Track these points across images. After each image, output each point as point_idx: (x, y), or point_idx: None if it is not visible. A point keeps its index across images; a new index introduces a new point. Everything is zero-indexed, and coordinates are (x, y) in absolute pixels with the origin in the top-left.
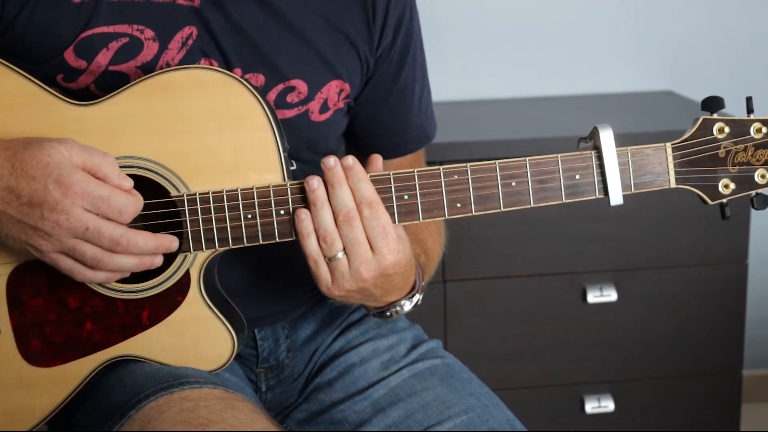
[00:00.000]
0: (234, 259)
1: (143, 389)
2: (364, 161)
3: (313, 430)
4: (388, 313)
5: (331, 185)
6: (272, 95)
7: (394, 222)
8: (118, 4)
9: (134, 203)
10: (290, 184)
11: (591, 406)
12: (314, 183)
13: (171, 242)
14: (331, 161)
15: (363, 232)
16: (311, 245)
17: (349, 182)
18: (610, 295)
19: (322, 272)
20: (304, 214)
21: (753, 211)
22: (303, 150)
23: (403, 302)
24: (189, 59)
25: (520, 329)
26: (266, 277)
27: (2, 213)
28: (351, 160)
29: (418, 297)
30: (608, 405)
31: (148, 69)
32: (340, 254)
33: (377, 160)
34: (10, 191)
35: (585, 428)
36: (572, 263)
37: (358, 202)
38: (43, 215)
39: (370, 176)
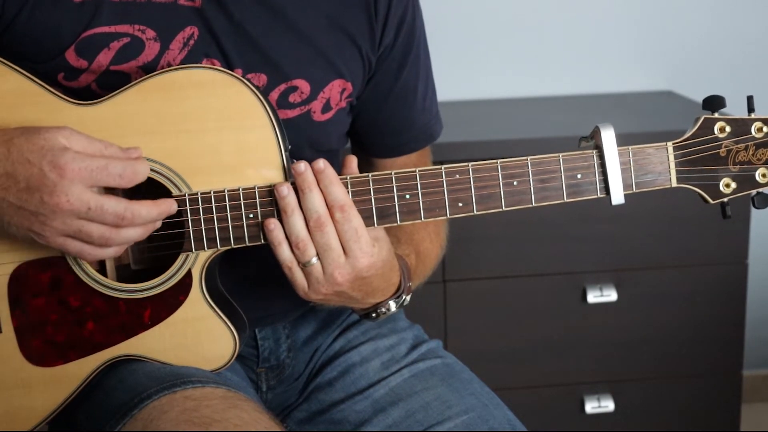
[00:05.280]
0: (235, 259)
1: (145, 389)
2: (369, 160)
3: (313, 429)
4: (374, 314)
5: (301, 191)
6: (274, 95)
7: (396, 222)
8: (120, 4)
9: (132, 165)
10: (293, 183)
11: (591, 406)
12: (284, 189)
13: (170, 206)
14: (302, 166)
15: (335, 237)
16: (284, 253)
17: (321, 186)
18: (610, 295)
19: (297, 278)
20: (273, 224)
21: (753, 211)
22: (305, 149)
23: (389, 303)
24: (190, 59)
25: (520, 329)
26: (267, 277)
27: (2, 200)
28: (322, 163)
29: (404, 298)
30: (608, 405)
31: (150, 69)
32: (314, 260)
33: (352, 161)
34: (8, 177)
35: (585, 428)
36: (572, 263)
37: (330, 206)
38: (42, 199)
39: (372, 176)
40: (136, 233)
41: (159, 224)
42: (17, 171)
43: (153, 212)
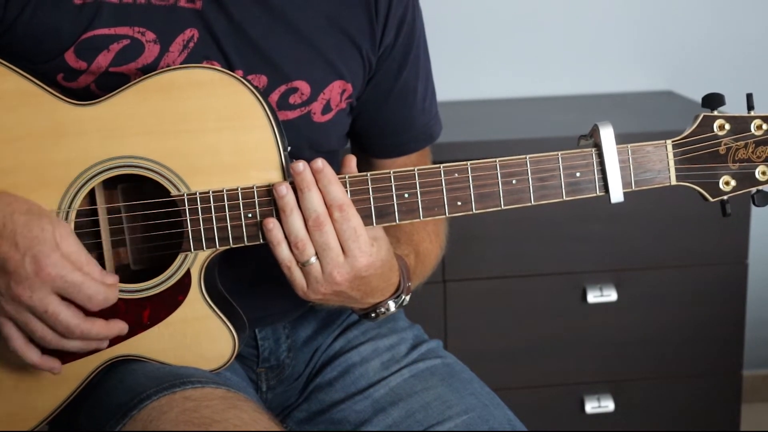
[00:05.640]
0: (235, 259)
1: (145, 389)
2: (368, 160)
3: (313, 429)
4: (373, 314)
5: (300, 190)
6: (274, 96)
7: (394, 221)
8: (120, 6)
9: (105, 292)
10: (291, 183)
11: (591, 406)
12: (282, 189)
13: (121, 329)
14: (300, 166)
15: (334, 236)
16: (283, 252)
17: (319, 185)
18: (610, 295)
19: (297, 278)
20: (272, 224)
21: (753, 211)
22: (305, 150)
23: (388, 303)
24: (190, 62)
25: (520, 329)
26: (267, 276)
27: None
28: (320, 163)
29: (403, 298)
30: (608, 405)
31: (149, 71)
32: (313, 259)
33: (351, 160)
34: None
35: (585, 428)
36: (572, 263)
37: (328, 205)
38: (9, 284)
39: (371, 175)
40: (74, 346)
41: (104, 345)
42: (1, 248)
43: (101, 334)
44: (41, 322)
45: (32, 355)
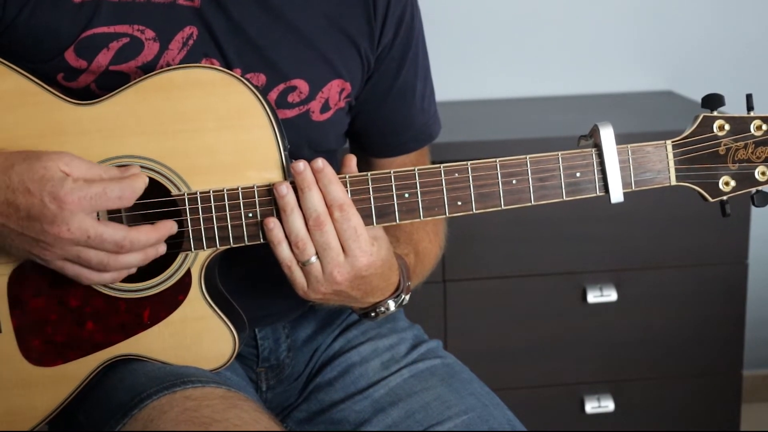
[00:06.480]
0: (235, 259)
1: (145, 388)
2: (367, 159)
3: (313, 429)
4: (373, 314)
5: (301, 190)
6: (273, 95)
7: (395, 221)
8: (119, 4)
9: (130, 185)
10: (292, 183)
11: (591, 406)
12: (283, 189)
13: (170, 228)
14: (301, 165)
15: (334, 236)
16: (284, 252)
17: (320, 185)
18: (610, 295)
19: (297, 277)
20: (272, 223)
21: (753, 211)
22: (304, 149)
23: (388, 302)
24: (190, 59)
25: (520, 329)
26: (267, 276)
27: (3, 226)
28: (321, 162)
29: (403, 297)
30: (608, 405)
31: (149, 69)
32: (314, 258)
33: (351, 160)
34: (9, 204)
35: (585, 428)
36: (572, 263)
37: (328, 205)
38: (43, 228)
39: (371, 175)
40: (135, 259)
41: (163, 248)
42: (18, 200)
43: (152, 238)
44: (91, 248)
45: (107, 275)
